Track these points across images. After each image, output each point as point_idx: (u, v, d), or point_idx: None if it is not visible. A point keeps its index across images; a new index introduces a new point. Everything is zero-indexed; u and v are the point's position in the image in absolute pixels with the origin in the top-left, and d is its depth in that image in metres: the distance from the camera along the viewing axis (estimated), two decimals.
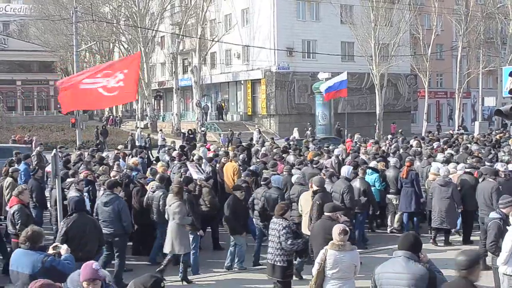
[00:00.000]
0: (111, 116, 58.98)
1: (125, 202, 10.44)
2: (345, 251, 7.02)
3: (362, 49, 44.64)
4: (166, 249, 10.29)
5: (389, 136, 30.29)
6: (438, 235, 12.89)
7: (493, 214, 8.68)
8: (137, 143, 32.42)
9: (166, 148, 21.46)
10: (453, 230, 13.28)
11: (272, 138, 29.95)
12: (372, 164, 14.69)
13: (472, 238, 12.87)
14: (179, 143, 29.02)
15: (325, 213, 8.25)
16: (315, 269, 7.21)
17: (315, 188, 10.62)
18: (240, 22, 48.95)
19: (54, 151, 10.26)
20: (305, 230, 10.33)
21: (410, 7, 45.83)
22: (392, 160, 15.21)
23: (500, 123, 46.94)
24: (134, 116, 57.30)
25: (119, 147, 22.59)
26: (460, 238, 13.22)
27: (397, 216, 14.26)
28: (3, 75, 62.65)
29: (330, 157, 16.96)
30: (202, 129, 40.25)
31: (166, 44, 55.07)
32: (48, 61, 61.68)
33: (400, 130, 35.55)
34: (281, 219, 8.46)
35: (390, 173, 14.26)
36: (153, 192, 11.55)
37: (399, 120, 48.41)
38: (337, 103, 45.22)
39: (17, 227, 9.28)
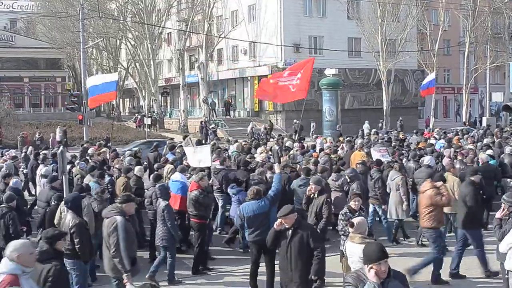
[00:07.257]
0: (139, 117, 57.78)
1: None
2: (355, 243, 7.24)
3: (369, 45, 44.55)
4: None
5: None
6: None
7: None
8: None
9: (276, 139, 23.73)
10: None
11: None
12: (489, 152, 16.04)
13: None
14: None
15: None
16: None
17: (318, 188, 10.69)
18: (247, 18, 48.91)
19: (61, 148, 10.38)
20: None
21: (417, 3, 45.69)
22: (507, 148, 16.97)
23: (507, 118, 46.78)
24: (140, 112, 57.21)
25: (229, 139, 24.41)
26: None
27: None
28: (10, 72, 62.94)
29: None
30: (212, 125, 40.15)
31: (173, 41, 55.09)
32: (55, 58, 61.88)
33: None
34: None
35: (506, 159, 16.01)
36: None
37: (406, 115, 48.25)
38: (344, 99, 45.18)
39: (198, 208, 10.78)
